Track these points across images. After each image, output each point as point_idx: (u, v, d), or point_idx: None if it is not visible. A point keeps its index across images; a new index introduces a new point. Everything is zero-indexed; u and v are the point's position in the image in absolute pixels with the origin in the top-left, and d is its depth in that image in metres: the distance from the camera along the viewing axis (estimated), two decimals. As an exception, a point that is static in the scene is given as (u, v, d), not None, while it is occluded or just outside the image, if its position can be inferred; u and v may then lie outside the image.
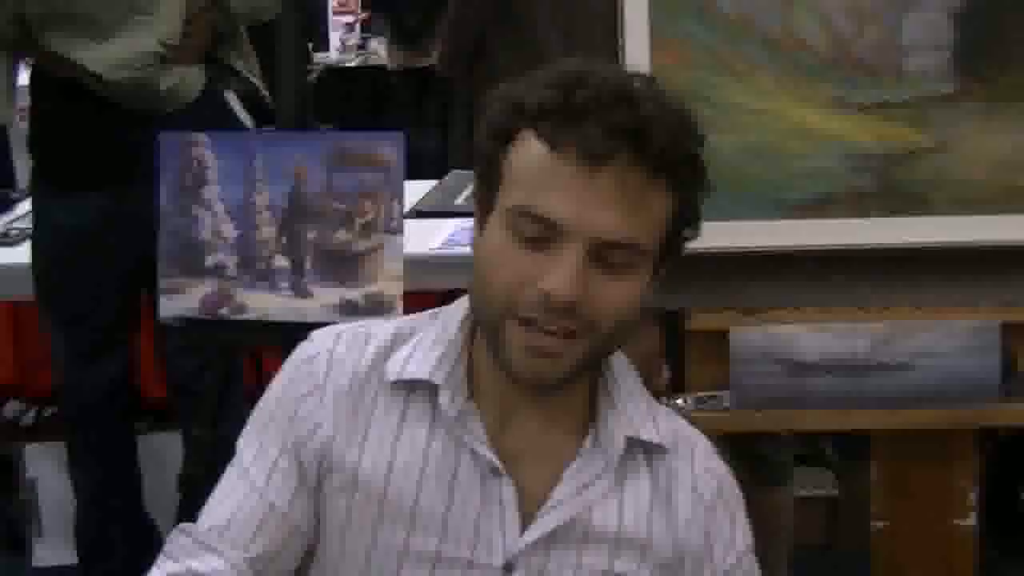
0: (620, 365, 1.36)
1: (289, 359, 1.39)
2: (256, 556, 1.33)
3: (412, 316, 1.40)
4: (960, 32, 1.84)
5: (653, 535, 1.31)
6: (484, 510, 1.30)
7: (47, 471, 3.29)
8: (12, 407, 3.65)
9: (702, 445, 1.37)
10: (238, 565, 1.32)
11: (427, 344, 1.33)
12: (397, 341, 1.35)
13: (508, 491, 1.29)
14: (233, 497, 1.35)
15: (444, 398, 1.30)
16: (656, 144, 1.19)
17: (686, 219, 1.27)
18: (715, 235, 1.77)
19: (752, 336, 1.85)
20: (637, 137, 1.19)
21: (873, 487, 1.96)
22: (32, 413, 3.59)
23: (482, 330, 1.29)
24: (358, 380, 1.33)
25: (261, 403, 1.39)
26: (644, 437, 1.32)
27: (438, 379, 1.31)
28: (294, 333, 2.15)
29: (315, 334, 1.40)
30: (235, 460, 1.37)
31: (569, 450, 1.32)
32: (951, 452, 1.92)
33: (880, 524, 1.95)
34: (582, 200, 1.19)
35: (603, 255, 1.21)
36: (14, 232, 3.24)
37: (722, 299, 1.86)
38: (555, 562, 1.29)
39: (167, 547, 1.35)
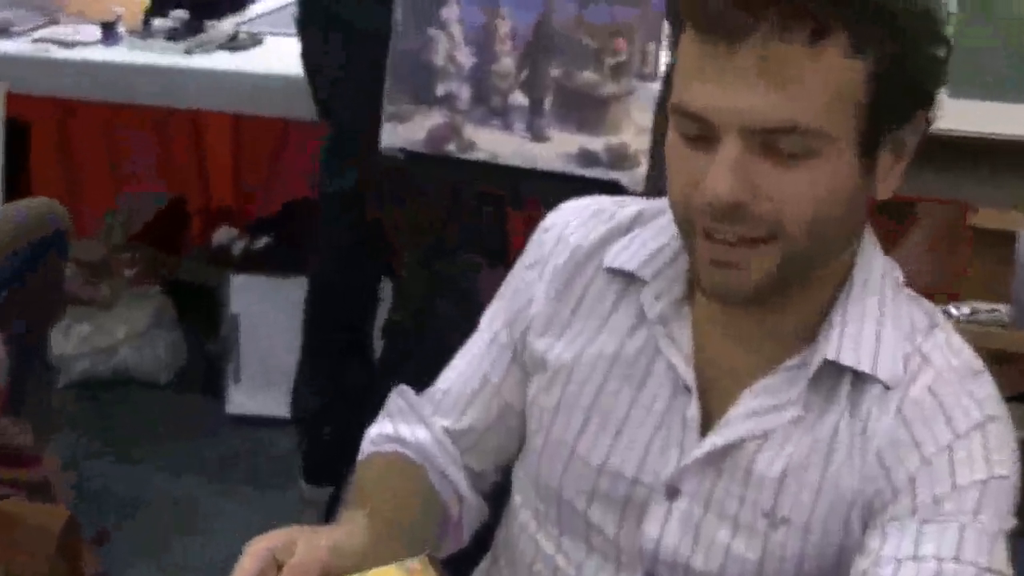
0: (865, 275, 1.37)
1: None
2: (464, 429, 1.55)
3: None
4: None
5: (832, 477, 1.32)
6: (663, 425, 1.39)
7: (252, 306, 3.65)
8: (224, 233, 4.01)
9: (940, 366, 1.33)
10: (441, 438, 1.55)
11: (650, 233, 1.45)
12: (637, 222, 1.47)
13: (693, 410, 1.38)
14: (458, 365, 1.58)
15: (647, 296, 1.42)
16: (805, 5, 1.18)
17: (894, 86, 1.24)
18: (1013, 120, 1.88)
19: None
20: (778, 1, 1.18)
21: None
22: (243, 242, 3.93)
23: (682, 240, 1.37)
24: (576, 258, 1.48)
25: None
26: (846, 362, 1.33)
27: (646, 274, 1.42)
28: (522, 180, 2.37)
29: (565, 204, 1.54)
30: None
31: (770, 369, 1.36)
32: None
33: None
34: (723, 84, 1.21)
35: (771, 144, 1.22)
36: (243, 36, 3.51)
37: (1014, 196, 1.94)
38: (722, 491, 1.36)
39: (387, 406, 1.60)
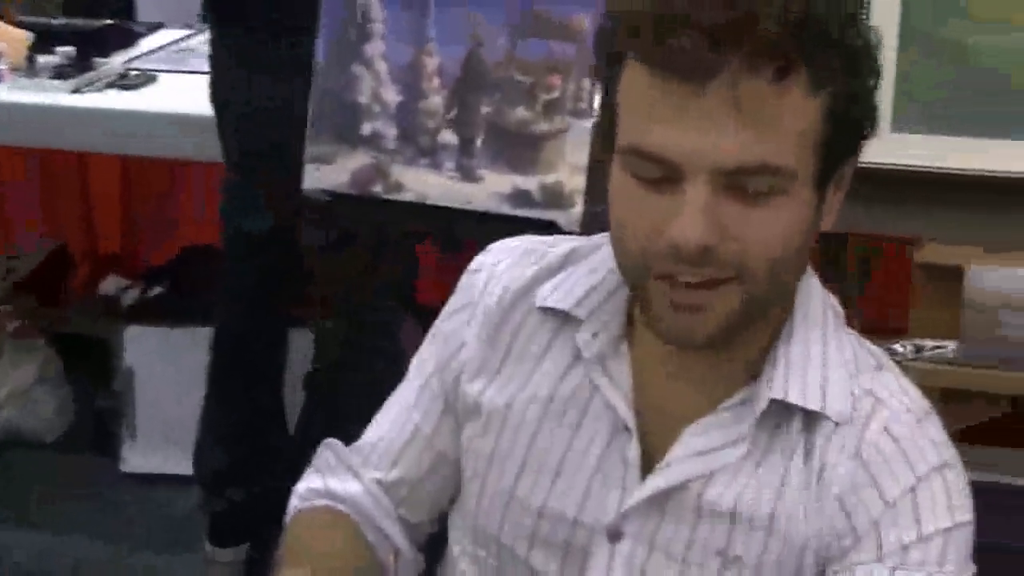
0: (806, 309, 1.42)
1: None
2: (396, 480, 1.59)
3: (607, 233, 1.44)
4: None
5: (784, 516, 1.36)
6: (603, 467, 1.43)
7: (147, 359, 3.64)
8: (112, 283, 3.99)
9: (894, 408, 1.38)
10: (374, 491, 1.59)
11: (584, 271, 1.48)
12: (569, 260, 1.51)
13: (633, 451, 1.41)
14: (387, 415, 1.61)
15: (584, 335, 1.45)
16: (773, 41, 1.21)
17: (846, 121, 1.29)
18: (959, 154, 1.95)
19: (993, 278, 1.98)
20: (746, 37, 1.21)
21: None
22: (135, 292, 3.91)
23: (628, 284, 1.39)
24: (506, 300, 1.51)
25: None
26: (793, 400, 1.37)
27: (581, 313, 1.45)
28: (454, 222, 2.40)
29: (494, 244, 1.58)
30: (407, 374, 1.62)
31: (711, 408, 1.40)
32: None
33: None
34: (689, 125, 1.23)
35: (738, 184, 1.25)
36: (133, 74, 3.49)
37: (961, 231, 2.01)
38: (665, 534, 1.39)
39: (315, 460, 1.64)
